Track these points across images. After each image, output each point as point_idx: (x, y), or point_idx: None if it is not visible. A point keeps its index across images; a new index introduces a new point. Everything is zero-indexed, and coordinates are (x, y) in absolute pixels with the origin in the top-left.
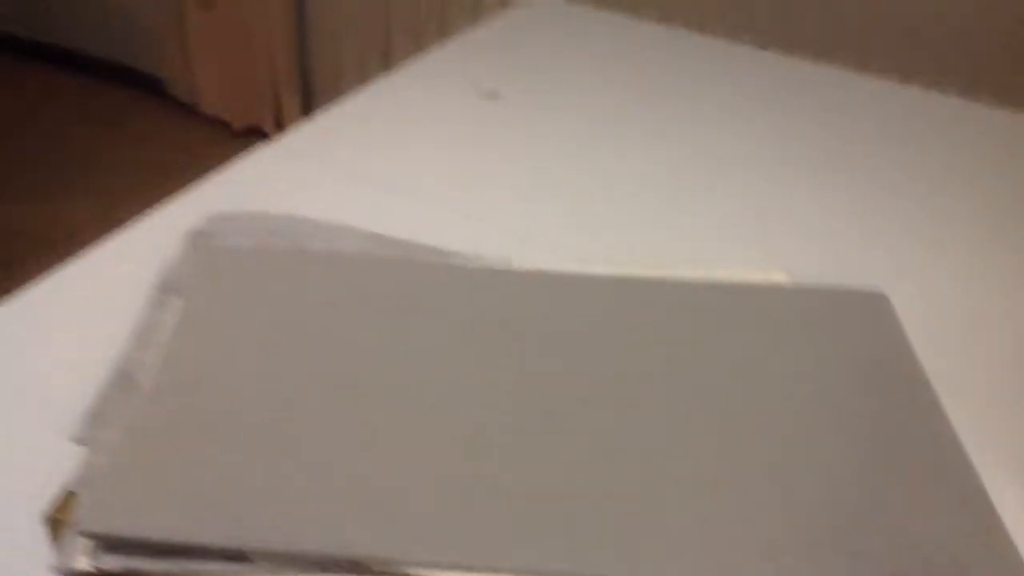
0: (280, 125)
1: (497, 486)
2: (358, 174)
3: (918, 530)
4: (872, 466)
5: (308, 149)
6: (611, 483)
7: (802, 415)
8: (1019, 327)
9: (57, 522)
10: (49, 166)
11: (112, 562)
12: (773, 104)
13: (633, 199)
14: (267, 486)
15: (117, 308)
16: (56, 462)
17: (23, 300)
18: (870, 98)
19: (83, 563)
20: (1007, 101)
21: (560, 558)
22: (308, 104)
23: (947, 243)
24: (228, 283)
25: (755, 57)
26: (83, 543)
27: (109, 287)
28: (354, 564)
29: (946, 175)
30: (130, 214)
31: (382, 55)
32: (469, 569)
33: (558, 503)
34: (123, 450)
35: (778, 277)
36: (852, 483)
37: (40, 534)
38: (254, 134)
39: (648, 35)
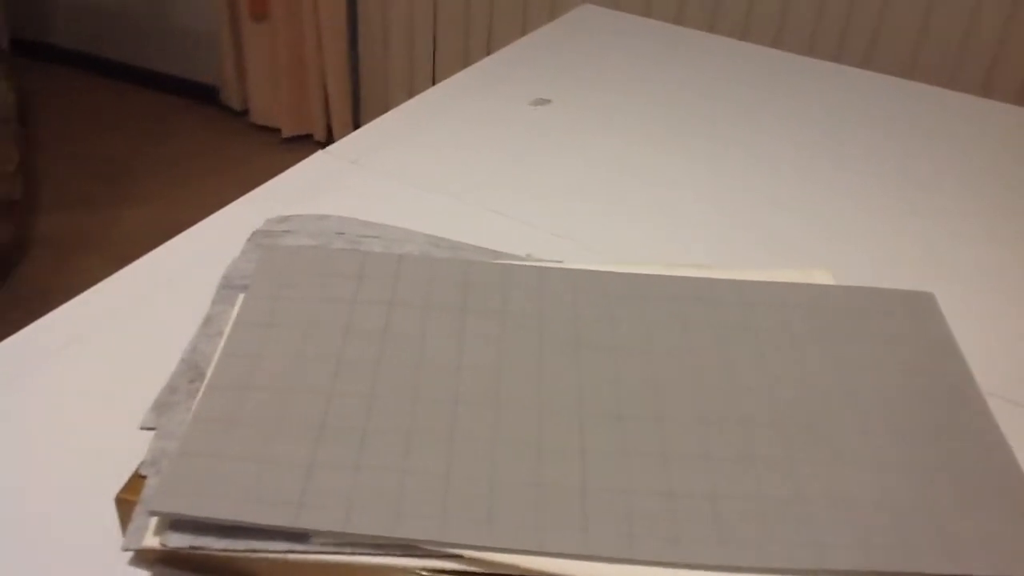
0: (330, 133)
1: (550, 475)
2: (412, 179)
3: (966, 530)
4: (922, 465)
5: (363, 154)
6: (662, 475)
7: (853, 412)
8: None
9: (126, 503)
10: (107, 174)
11: (178, 540)
12: (821, 109)
13: (681, 202)
14: (321, 473)
15: (184, 304)
16: (127, 450)
17: (94, 297)
18: (920, 103)
19: (151, 541)
20: None
21: (613, 544)
22: (357, 112)
23: (991, 246)
24: (288, 279)
25: (801, 63)
26: (151, 523)
27: (176, 284)
28: (407, 546)
29: (995, 180)
30: (184, 218)
31: (431, 67)
32: (518, 552)
33: (614, 492)
34: (189, 435)
35: (822, 277)
36: (903, 481)
37: (111, 517)
38: (302, 141)
39: (693, 42)
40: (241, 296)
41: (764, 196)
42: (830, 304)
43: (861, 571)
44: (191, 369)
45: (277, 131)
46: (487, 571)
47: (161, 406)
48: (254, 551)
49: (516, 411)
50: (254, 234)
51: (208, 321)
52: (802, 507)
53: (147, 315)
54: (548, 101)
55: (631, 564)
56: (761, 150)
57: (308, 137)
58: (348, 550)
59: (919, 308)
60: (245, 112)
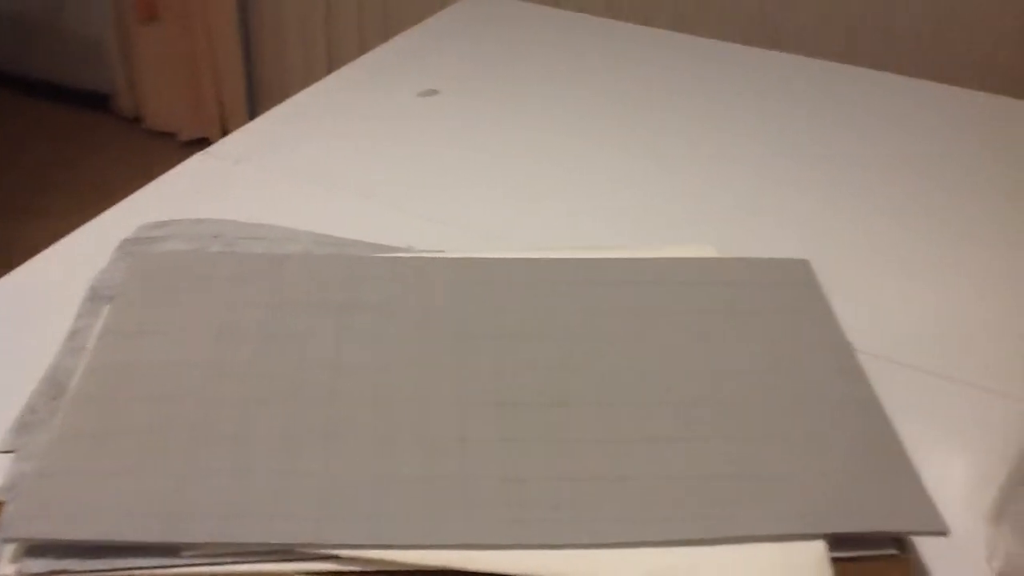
0: (226, 134)
1: (431, 467)
2: (298, 174)
3: (849, 490)
4: (803, 430)
5: (248, 152)
6: (543, 459)
7: (734, 384)
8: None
9: None
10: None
11: (37, 566)
12: (713, 87)
13: (568, 186)
14: (195, 482)
15: (50, 319)
16: None
17: None
18: (817, 78)
19: (7, 569)
20: (950, 79)
21: (496, 530)
22: (254, 111)
23: (873, 215)
24: (156, 286)
25: (695, 45)
26: (8, 550)
27: (43, 299)
28: (285, 551)
29: (880, 152)
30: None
31: (328, 63)
32: (397, 547)
33: (495, 480)
34: (48, 454)
35: (706, 252)
36: (785, 448)
37: None
38: (201, 145)
39: (589, 27)
40: (107, 307)
41: (655, 175)
42: (710, 277)
43: (754, 536)
44: (53, 387)
45: (174, 136)
46: (367, 569)
47: (22, 427)
48: (119, 570)
49: (396, 406)
50: (123, 242)
51: (72, 335)
52: (694, 481)
53: (12, 332)
54: (435, 92)
55: (514, 549)
56: (650, 129)
57: (206, 140)
58: (221, 560)
59: (794, 275)
60: (139, 119)
